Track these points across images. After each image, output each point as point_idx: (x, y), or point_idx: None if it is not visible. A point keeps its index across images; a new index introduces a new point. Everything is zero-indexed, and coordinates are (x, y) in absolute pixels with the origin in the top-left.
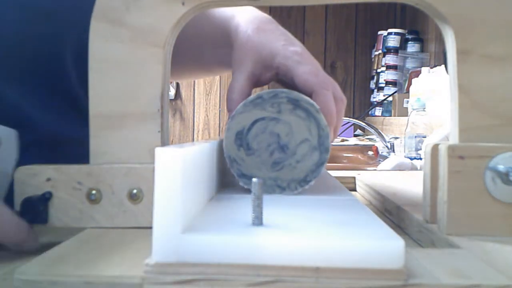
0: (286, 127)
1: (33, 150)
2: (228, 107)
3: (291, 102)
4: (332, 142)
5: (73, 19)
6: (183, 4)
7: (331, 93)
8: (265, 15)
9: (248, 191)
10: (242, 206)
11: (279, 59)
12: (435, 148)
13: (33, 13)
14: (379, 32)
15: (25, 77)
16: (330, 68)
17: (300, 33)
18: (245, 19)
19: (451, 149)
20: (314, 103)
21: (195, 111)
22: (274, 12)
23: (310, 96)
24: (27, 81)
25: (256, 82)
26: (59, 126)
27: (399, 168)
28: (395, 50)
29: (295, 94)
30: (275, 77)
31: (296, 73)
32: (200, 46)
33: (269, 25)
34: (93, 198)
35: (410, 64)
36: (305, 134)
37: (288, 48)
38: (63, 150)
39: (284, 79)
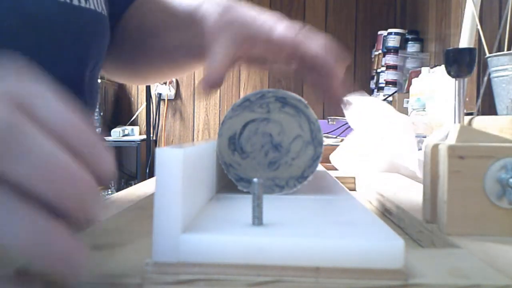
0: (277, 126)
1: None
2: (207, 80)
3: (279, 101)
4: (343, 95)
5: (96, 43)
6: None
7: (315, 39)
8: (227, 1)
9: (248, 192)
10: (242, 206)
11: (254, 30)
12: (435, 148)
13: (66, 35)
14: (379, 32)
15: None
16: None
17: None
18: (211, 5)
19: (451, 149)
20: (302, 98)
21: (195, 111)
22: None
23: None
24: None
25: (236, 51)
26: None
27: None
28: (395, 50)
29: (281, 92)
30: (253, 52)
31: (273, 35)
32: (163, 32)
33: (236, 7)
34: None
35: (410, 64)
36: (297, 131)
37: (260, 19)
38: None
39: (261, 52)
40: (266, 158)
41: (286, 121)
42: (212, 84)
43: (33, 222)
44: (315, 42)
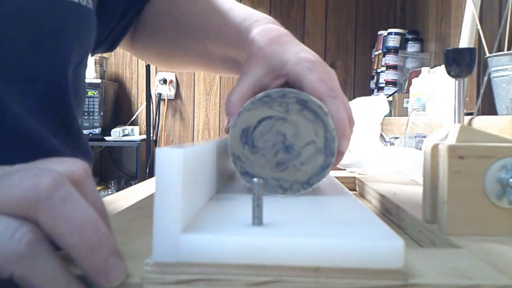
0: (293, 127)
1: None
2: (226, 109)
3: (300, 103)
4: (343, 154)
5: (79, 42)
6: None
7: (340, 102)
8: (282, 29)
9: (248, 191)
10: (242, 206)
11: (289, 66)
12: (435, 148)
13: (45, 36)
14: (379, 32)
15: (30, 94)
16: None
17: (300, 33)
18: (261, 32)
19: (451, 149)
20: (323, 105)
21: (195, 111)
22: (274, 12)
23: None
24: (31, 99)
25: (262, 90)
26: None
27: None
28: (395, 50)
29: (304, 95)
30: (285, 85)
31: (304, 80)
32: (208, 39)
33: (284, 38)
34: None
35: (410, 64)
36: (312, 136)
37: (299, 55)
38: None
39: (294, 87)
40: (275, 157)
41: (302, 124)
42: (230, 113)
43: (64, 271)
44: (338, 108)
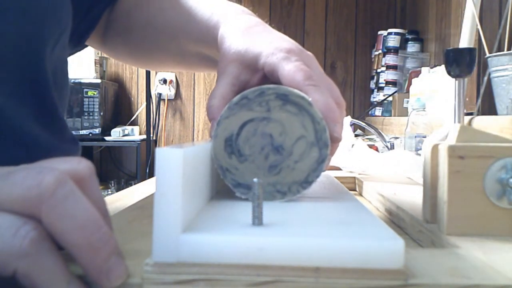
0: (278, 126)
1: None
2: (209, 115)
3: (280, 98)
4: (339, 141)
5: (51, 19)
6: None
7: (323, 87)
8: (253, 19)
9: (247, 198)
10: (242, 206)
11: (263, 58)
12: (435, 148)
13: (8, 11)
14: (379, 32)
15: (3, 78)
16: (330, 68)
17: (300, 33)
18: (230, 26)
19: (451, 149)
20: (305, 95)
21: (195, 111)
22: (274, 12)
23: None
24: (5, 82)
25: (243, 88)
26: (35, 130)
27: None
28: (395, 50)
29: (283, 88)
30: (264, 80)
31: (281, 72)
32: (180, 36)
33: (255, 28)
34: None
35: (410, 64)
36: (300, 131)
37: (272, 45)
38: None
39: (272, 80)
40: (266, 161)
41: (288, 120)
42: (213, 118)
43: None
44: (322, 95)
